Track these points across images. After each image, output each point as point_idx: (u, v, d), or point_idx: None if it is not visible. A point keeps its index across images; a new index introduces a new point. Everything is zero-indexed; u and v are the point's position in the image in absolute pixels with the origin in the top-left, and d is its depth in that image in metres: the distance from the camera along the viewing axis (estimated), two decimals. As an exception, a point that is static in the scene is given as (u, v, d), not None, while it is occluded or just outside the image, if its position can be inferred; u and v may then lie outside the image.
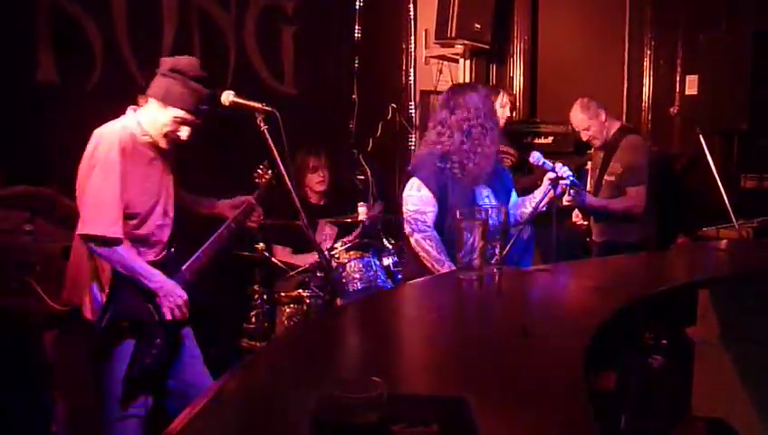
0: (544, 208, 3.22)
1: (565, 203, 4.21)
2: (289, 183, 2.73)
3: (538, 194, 3.24)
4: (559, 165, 3.15)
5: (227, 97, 2.72)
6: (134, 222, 2.72)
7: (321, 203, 4.62)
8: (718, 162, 3.82)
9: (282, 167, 2.71)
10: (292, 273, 4.08)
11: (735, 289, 2.90)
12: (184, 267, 2.86)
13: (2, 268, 3.11)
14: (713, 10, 5.04)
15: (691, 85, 5.17)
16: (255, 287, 4.05)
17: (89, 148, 2.69)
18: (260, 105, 2.70)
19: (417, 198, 3.12)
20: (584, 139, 4.56)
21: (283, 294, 4.12)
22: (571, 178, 3.13)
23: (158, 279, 2.70)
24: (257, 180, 3.34)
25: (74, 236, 2.75)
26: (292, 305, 4.08)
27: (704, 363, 3.03)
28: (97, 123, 3.78)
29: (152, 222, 2.79)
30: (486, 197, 3.20)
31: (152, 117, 2.74)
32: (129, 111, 2.80)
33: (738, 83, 4.55)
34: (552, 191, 3.15)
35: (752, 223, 3.98)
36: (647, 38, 5.46)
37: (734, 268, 2.91)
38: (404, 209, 3.17)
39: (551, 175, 3.13)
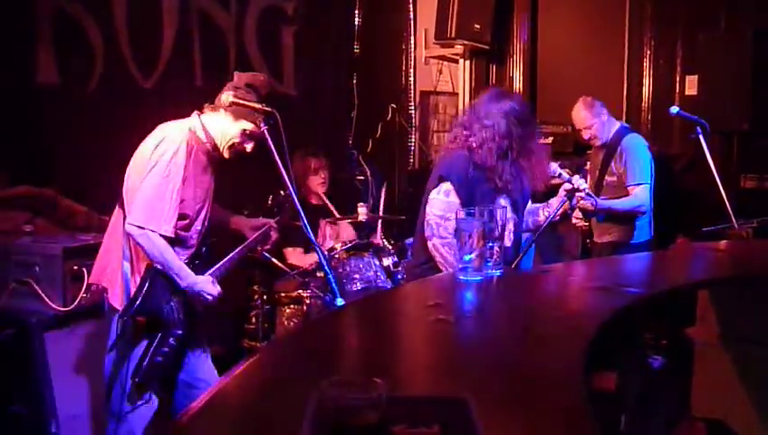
0: (557, 219, 3.22)
1: (574, 220, 4.23)
2: (289, 184, 2.73)
3: (554, 203, 3.23)
4: (576, 177, 3.11)
5: (227, 97, 2.72)
6: (183, 223, 2.76)
7: (321, 204, 4.63)
8: (718, 162, 3.82)
9: (281, 167, 2.72)
10: (291, 273, 4.08)
11: (735, 290, 2.89)
12: (210, 272, 2.89)
13: (2, 268, 3.11)
14: (712, 9, 5.04)
15: (691, 85, 5.17)
16: (255, 288, 4.06)
17: (150, 141, 2.72)
18: (260, 105, 2.71)
19: (444, 204, 3.06)
20: (585, 137, 4.56)
21: (283, 294, 4.12)
22: (587, 190, 3.12)
23: (189, 279, 2.75)
24: (276, 205, 3.39)
25: (114, 217, 2.79)
26: (292, 306, 4.08)
27: (703, 364, 3.03)
28: (98, 124, 3.82)
29: (195, 226, 2.85)
30: (503, 208, 3.16)
31: (221, 127, 2.80)
32: (194, 114, 2.83)
33: (738, 83, 4.55)
34: (567, 202, 3.14)
35: (751, 223, 3.97)
36: (646, 38, 5.46)
37: (733, 269, 2.91)
38: (428, 211, 3.10)
39: (567, 186, 3.11)
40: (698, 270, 2.92)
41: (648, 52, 5.45)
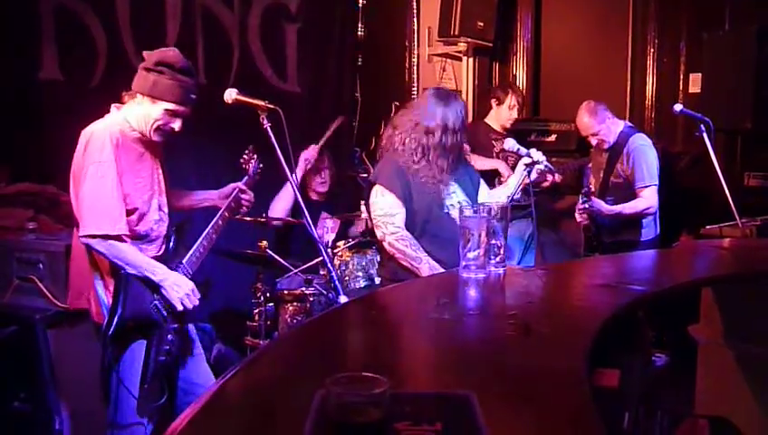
0: (518, 196, 3.25)
1: (578, 218, 4.23)
2: (291, 181, 2.73)
3: (512, 181, 3.27)
4: (533, 150, 3.18)
5: (230, 95, 2.71)
6: (133, 218, 2.72)
7: (323, 200, 4.64)
8: (722, 160, 3.81)
9: (285, 165, 2.71)
10: (294, 271, 4.08)
11: (739, 288, 2.89)
12: (185, 260, 2.87)
13: (6, 266, 3.12)
14: (716, 7, 5.02)
15: (694, 83, 5.16)
16: (258, 285, 4.05)
17: (79, 148, 2.67)
18: (263, 103, 2.69)
19: (382, 203, 3.14)
20: (593, 143, 4.55)
21: (285, 291, 4.12)
22: (545, 163, 3.16)
23: (161, 272, 2.70)
24: (244, 166, 3.34)
25: (74, 239, 2.74)
26: (294, 303, 4.08)
27: (707, 362, 3.02)
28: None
29: (150, 217, 2.79)
30: (453, 193, 3.21)
31: (142, 112, 2.72)
32: (113, 108, 2.79)
33: (742, 81, 4.54)
34: (526, 177, 3.17)
35: (755, 221, 3.97)
36: (650, 36, 5.45)
37: (737, 267, 2.90)
38: (372, 216, 3.20)
39: (526, 160, 3.17)
40: (702, 268, 2.92)
41: (652, 49, 5.43)
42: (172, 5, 4.29)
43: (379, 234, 3.16)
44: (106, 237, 2.59)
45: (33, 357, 2.99)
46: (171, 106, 2.70)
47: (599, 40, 5.80)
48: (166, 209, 2.88)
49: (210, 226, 3.00)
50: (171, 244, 2.88)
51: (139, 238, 2.75)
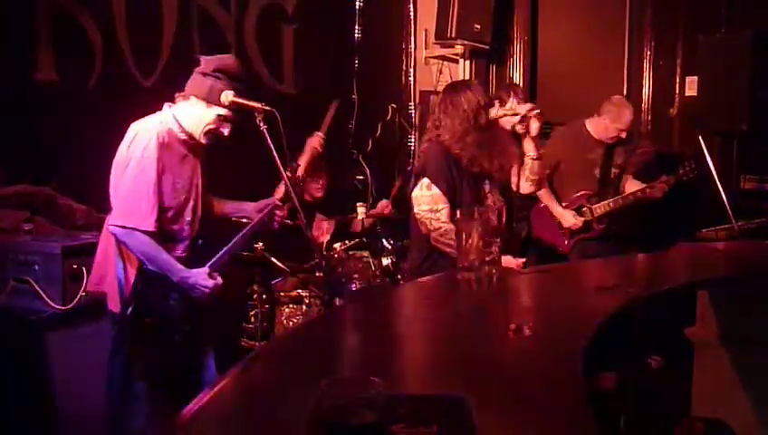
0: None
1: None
2: (288, 183, 2.73)
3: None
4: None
5: (227, 96, 2.71)
6: (167, 216, 2.75)
7: (317, 201, 4.64)
8: (718, 163, 3.82)
9: (280, 167, 2.71)
10: (291, 273, 4.08)
11: (735, 290, 2.89)
12: (208, 264, 2.87)
13: (1, 267, 3.11)
14: (712, 11, 5.04)
15: (691, 86, 5.17)
16: (255, 287, 4.05)
17: (125, 141, 2.71)
18: (259, 105, 2.70)
19: (428, 197, 3.14)
20: (623, 137, 4.51)
21: (282, 293, 4.12)
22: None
23: (180, 273, 2.72)
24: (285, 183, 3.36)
25: (104, 226, 2.79)
26: (291, 305, 4.08)
27: (703, 364, 3.03)
28: (97, 122, 3.81)
29: (183, 219, 2.83)
30: (489, 192, 3.23)
31: (195, 115, 2.77)
32: (166, 106, 2.82)
33: (738, 84, 4.55)
34: None
35: (751, 224, 3.98)
36: (646, 39, 5.46)
37: (733, 269, 2.91)
38: (416, 211, 3.19)
39: None
40: (698, 270, 2.92)
41: (648, 52, 5.45)
42: (168, 7, 4.29)
43: (424, 229, 3.16)
44: (134, 230, 2.63)
45: (28, 359, 2.98)
46: (224, 112, 2.75)
47: (595, 43, 5.81)
48: (199, 213, 2.91)
49: (239, 235, 3.03)
50: (198, 246, 2.90)
51: (168, 237, 2.78)
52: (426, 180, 3.15)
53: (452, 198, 3.12)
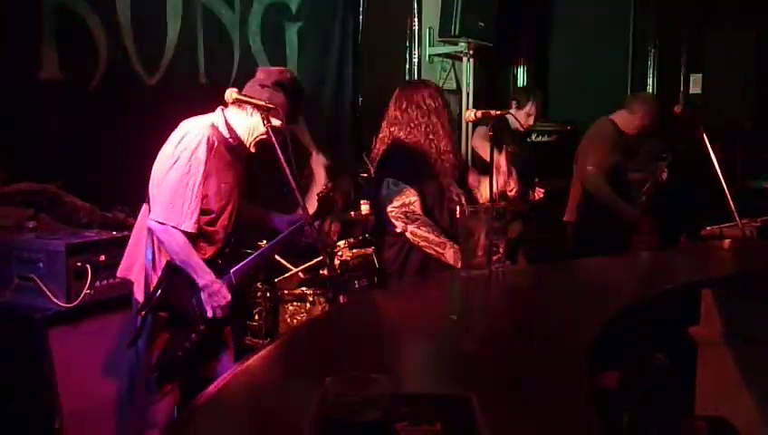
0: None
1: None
2: (293, 182, 2.72)
3: None
4: None
5: (231, 95, 2.71)
6: (206, 218, 2.76)
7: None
8: (722, 161, 3.81)
9: (285, 165, 2.71)
10: (294, 270, 4.08)
11: (738, 289, 2.89)
12: (232, 271, 2.88)
13: (5, 265, 3.11)
14: (718, 8, 5.03)
15: (695, 84, 5.16)
16: (258, 285, 4.05)
17: (173, 137, 2.72)
18: (264, 103, 2.70)
19: (396, 192, 3.11)
20: (638, 133, 4.52)
21: (286, 291, 4.12)
22: None
23: (207, 277, 2.73)
24: (322, 199, 3.37)
25: (141, 214, 2.81)
26: (295, 303, 4.08)
27: (706, 363, 3.03)
28: (101, 120, 3.82)
29: (220, 223, 2.84)
30: (456, 196, 3.22)
31: (250, 123, 2.78)
32: (219, 109, 2.81)
33: (742, 82, 4.54)
34: None
35: (755, 222, 3.97)
36: (651, 36, 5.45)
37: (737, 268, 2.90)
38: (389, 209, 3.13)
39: None
40: (702, 269, 2.92)
41: (653, 50, 5.44)
42: (173, 5, 4.28)
43: (400, 226, 3.11)
44: (173, 228, 2.64)
45: (32, 357, 2.98)
46: (279, 123, 2.73)
47: (599, 40, 5.81)
48: (234, 218, 2.91)
49: (268, 245, 3.05)
50: (227, 250, 2.91)
51: (202, 237, 2.79)
52: (390, 179, 3.14)
53: (420, 193, 3.11)
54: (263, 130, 2.75)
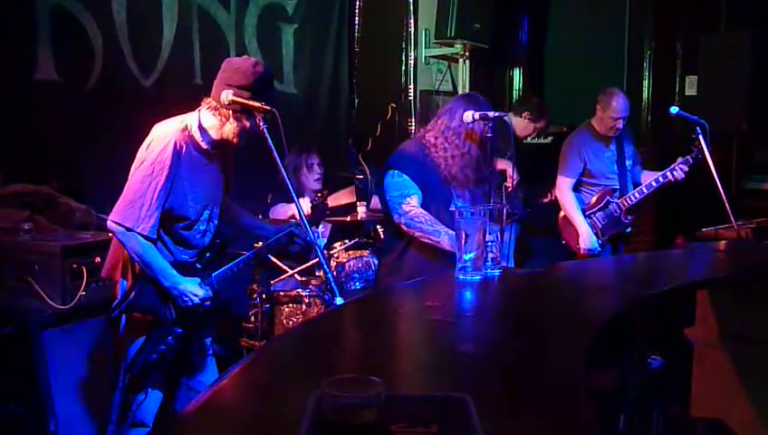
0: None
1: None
2: (287, 182, 2.72)
3: None
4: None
5: (226, 96, 2.69)
6: (185, 223, 2.75)
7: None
8: (718, 162, 3.82)
9: (281, 167, 2.70)
10: (291, 272, 4.08)
11: (734, 290, 2.89)
12: (214, 275, 2.87)
13: (1, 267, 3.11)
14: (713, 10, 5.04)
15: (691, 85, 5.17)
16: (254, 286, 4.05)
17: (146, 140, 2.69)
18: (259, 104, 2.68)
19: (395, 184, 3.13)
20: (619, 127, 4.49)
21: (282, 293, 4.11)
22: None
23: (172, 279, 2.70)
24: (313, 208, 3.38)
25: None
26: (291, 305, 4.07)
27: (703, 364, 3.03)
28: (97, 122, 3.81)
29: (197, 227, 2.82)
30: (461, 203, 3.20)
31: (225, 129, 2.71)
32: (197, 111, 2.75)
33: (738, 84, 4.55)
34: None
35: (750, 223, 3.98)
36: (646, 37, 5.46)
37: (732, 269, 2.90)
38: (387, 198, 3.16)
39: None
40: (697, 270, 2.92)
41: (648, 51, 5.45)
42: (168, 6, 4.28)
43: (396, 217, 3.12)
44: (129, 229, 2.61)
45: (27, 359, 2.97)
46: (249, 124, 2.69)
47: (595, 41, 5.82)
48: (216, 222, 2.89)
49: (252, 252, 3.05)
50: (208, 254, 2.90)
51: (180, 243, 2.78)
52: (393, 170, 3.16)
53: (422, 188, 3.11)
54: (235, 132, 2.70)
